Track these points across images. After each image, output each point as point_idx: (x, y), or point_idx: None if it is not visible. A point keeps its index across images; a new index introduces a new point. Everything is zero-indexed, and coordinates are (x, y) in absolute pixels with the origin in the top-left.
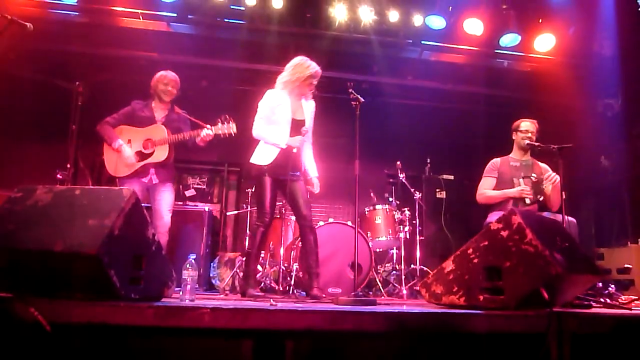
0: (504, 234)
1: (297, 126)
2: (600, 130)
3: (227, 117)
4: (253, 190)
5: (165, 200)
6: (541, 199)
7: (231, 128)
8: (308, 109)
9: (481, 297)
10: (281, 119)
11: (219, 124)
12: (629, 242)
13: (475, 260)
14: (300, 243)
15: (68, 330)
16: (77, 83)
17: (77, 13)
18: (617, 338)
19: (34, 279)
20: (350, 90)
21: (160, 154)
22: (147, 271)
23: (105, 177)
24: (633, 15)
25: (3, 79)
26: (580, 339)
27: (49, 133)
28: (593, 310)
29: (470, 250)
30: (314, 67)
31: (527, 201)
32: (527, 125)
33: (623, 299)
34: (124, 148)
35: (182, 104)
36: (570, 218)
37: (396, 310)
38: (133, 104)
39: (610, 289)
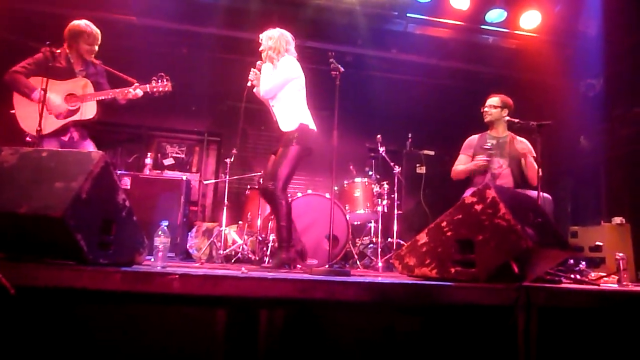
0: (478, 207)
1: None
2: (580, 110)
3: (162, 75)
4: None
5: None
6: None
7: (167, 86)
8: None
9: (453, 270)
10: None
11: (153, 82)
12: (602, 221)
13: (449, 234)
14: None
15: (33, 294)
16: (47, 43)
17: None
18: (583, 313)
19: (1, 242)
20: (331, 60)
21: (88, 111)
22: (117, 237)
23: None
24: None
25: None
26: (547, 312)
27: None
28: (562, 285)
29: (444, 224)
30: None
31: (482, 170)
32: (488, 101)
33: (592, 275)
34: (49, 97)
35: (160, 70)
36: (545, 195)
37: (367, 281)
38: (44, 51)
39: (581, 265)
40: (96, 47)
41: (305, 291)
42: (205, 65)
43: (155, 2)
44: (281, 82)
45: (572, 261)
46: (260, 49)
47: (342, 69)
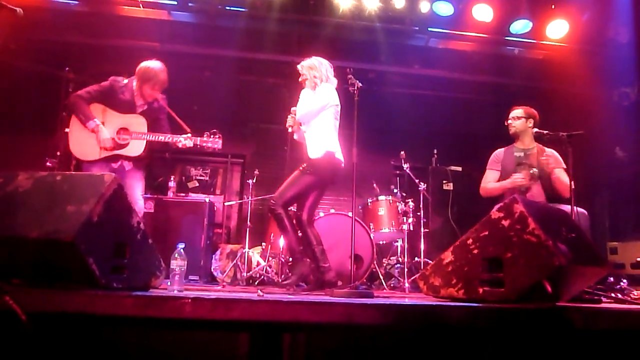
0: (505, 223)
1: None
2: (615, 120)
3: (216, 132)
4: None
5: (137, 185)
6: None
7: (216, 142)
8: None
9: (481, 290)
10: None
11: (205, 137)
12: None
13: (475, 251)
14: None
15: (44, 320)
16: (67, 69)
17: (76, 2)
18: (626, 335)
19: (10, 267)
20: (350, 76)
21: (135, 149)
22: (132, 260)
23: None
24: None
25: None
26: (584, 334)
27: (42, 122)
28: (602, 305)
29: (469, 241)
30: None
31: (522, 189)
32: (511, 113)
33: (635, 294)
34: (101, 129)
35: (183, 93)
36: (580, 209)
37: (387, 303)
38: (112, 81)
39: (622, 283)
40: (157, 93)
41: (321, 314)
42: (227, 88)
43: (177, 28)
44: (318, 108)
45: (612, 279)
46: (301, 79)
47: (359, 85)
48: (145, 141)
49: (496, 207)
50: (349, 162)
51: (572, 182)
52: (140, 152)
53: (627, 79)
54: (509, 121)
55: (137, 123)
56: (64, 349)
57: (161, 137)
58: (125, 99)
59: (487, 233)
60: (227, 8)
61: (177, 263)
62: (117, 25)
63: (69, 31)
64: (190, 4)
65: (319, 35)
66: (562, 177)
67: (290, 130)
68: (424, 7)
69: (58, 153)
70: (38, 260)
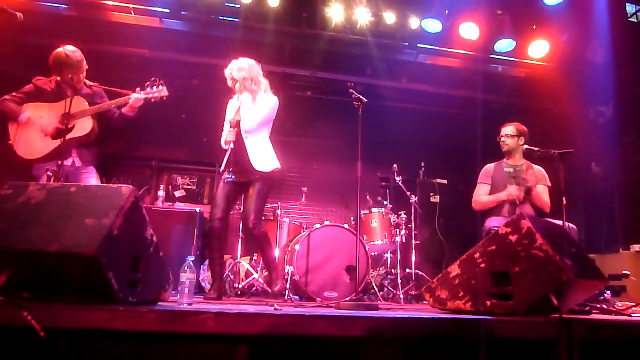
0: (513, 238)
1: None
2: (591, 137)
3: (156, 79)
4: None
5: (92, 183)
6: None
7: (162, 91)
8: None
9: (489, 303)
10: None
11: (148, 88)
12: (620, 249)
13: (483, 265)
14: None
15: (62, 336)
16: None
17: (66, 6)
18: (626, 346)
19: (26, 281)
20: (351, 90)
21: (83, 127)
22: (145, 274)
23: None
24: (624, 24)
25: None
26: (588, 346)
27: None
28: (594, 316)
29: (477, 255)
30: None
31: (517, 202)
32: (503, 130)
33: (619, 305)
34: (43, 118)
35: (171, 101)
36: (571, 225)
37: (407, 316)
38: (34, 81)
39: (606, 295)
40: (82, 75)
41: (342, 328)
42: (216, 97)
43: (167, 36)
44: (268, 119)
45: (596, 291)
46: (231, 82)
47: (365, 100)
48: (90, 118)
49: (491, 222)
50: (337, 173)
51: (564, 198)
52: (89, 130)
53: (603, 97)
54: (502, 139)
55: (77, 103)
56: None
57: (105, 106)
58: (55, 90)
59: (494, 248)
60: (221, 18)
61: (187, 276)
62: (107, 31)
63: (58, 36)
64: (183, 13)
65: (312, 48)
66: (542, 194)
67: (232, 146)
68: (414, 24)
69: (59, 162)
70: (52, 274)
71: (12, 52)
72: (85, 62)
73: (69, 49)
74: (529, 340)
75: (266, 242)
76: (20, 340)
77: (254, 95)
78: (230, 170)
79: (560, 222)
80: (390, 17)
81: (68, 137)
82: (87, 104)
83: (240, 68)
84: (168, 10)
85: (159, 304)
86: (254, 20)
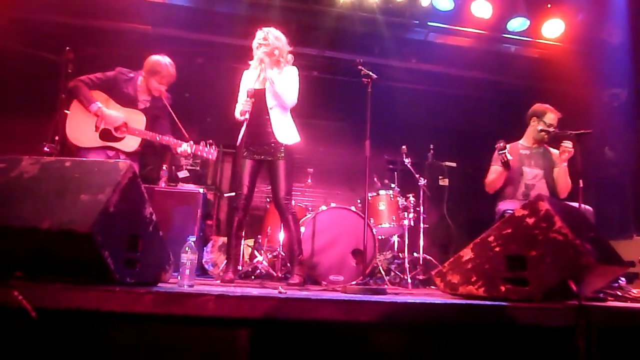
0: (530, 221)
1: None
2: (605, 121)
3: (212, 142)
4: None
5: None
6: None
7: (211, 154)
8: None
9: (503, 288)
10: None
11: (201, 146)
12: (634, 235)
13: (497, 249)
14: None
15: (55, 317)
16: (67, 48)
17: None
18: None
19: (18, 259)
20: (360, 67)
21: (129, 144)
22: (144, 254)
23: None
24: None
25: None
26: (608, 333)
27: (37, 106)
28: (611, 303)
29: (491, 238)
30: None
31: (529, 182)
32: (551, 118)
33: (634, 292)
34: (105, 111)
35: (175, 79)
36: (587, 207)
37: (417, 301)
38: (117, 72)
39: (620, 282)
40: (164, 88)
41: (350, 313)
42: (222, 76)
43: (171, 12)
44: (296, 89)
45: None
46: (261, 46)
47: (374, 76)
48: (140, 138)
49: (504, 205)
50: (344, 154)
51: (581, 181)
52: (135, 148)
53: (618, 80)
54: (552, 128)
55: (137, 120)
56: (70, 347)
57: (157, 138)
58: (128, 93)
59: (510, 231)
60: None
61: (188, 257)
62: (109, 6)
63: (58, 11)
64: None
65: (319, 25)
66: (565, 174)
67: (245, 117)
68: (425, 1)
69: (57, 138)
70: (45, 252)
71: (9, 26)
72: (173, 80)
73: (169, 61)
74: (545, 327)
75: (297, 226)
76: (11, 321)
77: (280, 66)
78: (250, 149)
79: (576, 205)
80: None
81: (111, 144)
82: (144, 122)
83: (278, 37)
84: None
85: (159, 285)
86: None
